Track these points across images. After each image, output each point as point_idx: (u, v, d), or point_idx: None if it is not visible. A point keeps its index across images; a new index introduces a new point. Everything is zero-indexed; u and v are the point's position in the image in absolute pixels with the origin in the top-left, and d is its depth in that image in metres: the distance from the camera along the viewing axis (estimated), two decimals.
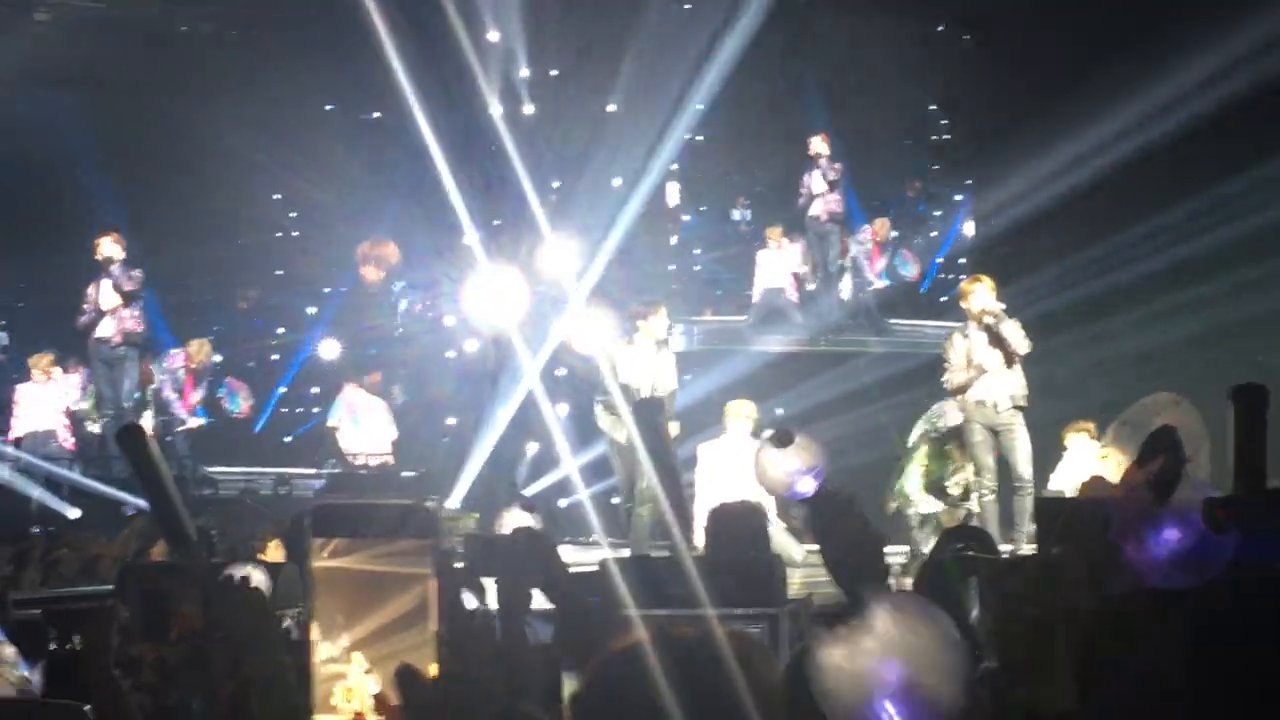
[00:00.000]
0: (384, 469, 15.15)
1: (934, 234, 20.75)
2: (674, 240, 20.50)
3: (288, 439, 18.19)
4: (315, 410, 17.67)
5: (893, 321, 18.50)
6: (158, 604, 5.92)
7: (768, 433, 3.90)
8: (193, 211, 18.64)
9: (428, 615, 2.34)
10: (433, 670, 2.29)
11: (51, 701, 4.45)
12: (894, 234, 18.65)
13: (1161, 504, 3.31)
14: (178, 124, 18.25)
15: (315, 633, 2.34)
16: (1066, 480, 10.96)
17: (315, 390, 18.07)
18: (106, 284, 14.16)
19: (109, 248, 14.15)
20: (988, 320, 10.60)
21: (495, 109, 17.43)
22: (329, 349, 16.92)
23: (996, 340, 10.61)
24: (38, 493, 14.03)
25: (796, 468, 4.17)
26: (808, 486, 4.04)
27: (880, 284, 18.61)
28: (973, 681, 1.98)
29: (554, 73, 19.05)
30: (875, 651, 1.98)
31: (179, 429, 15.53)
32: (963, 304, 10.84)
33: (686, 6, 19.20)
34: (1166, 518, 3.52)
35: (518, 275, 15.34)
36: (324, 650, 2.37)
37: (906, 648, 1.96)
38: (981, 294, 10.67)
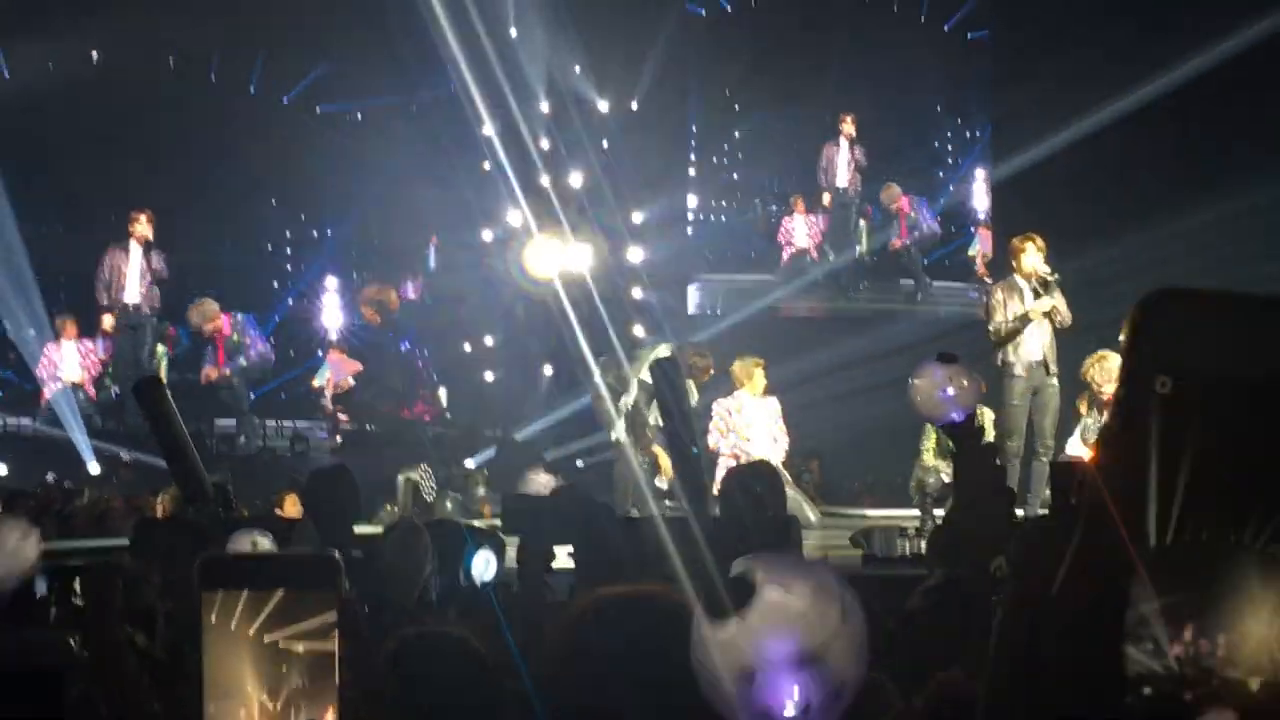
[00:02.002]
0: (407, 424, 15.08)
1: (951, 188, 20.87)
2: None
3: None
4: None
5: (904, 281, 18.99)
6: (173, 559, 5.94)
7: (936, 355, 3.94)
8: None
9: (333, 674, 2.17)
10: None
11: (41, 632, 4.44)
12: (907, 197, 18.83)
13: None
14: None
15: (210, 707, 2.17)
16: (1080, 448, 10.91)
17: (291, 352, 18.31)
18: (136, 257, 14.96)
19: (144, 227, 15.00)
20: (1036, 282, 10.51)
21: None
22: (332, 317, 17.04)
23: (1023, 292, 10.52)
24: (76, 437, 14.64)
25: (951, 395, 4.24)
26: (958, 411, 4.11)
27: (903, 244, 18.84)
28: (866, 657, 1.83)
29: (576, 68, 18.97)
30: (763, 623, 1.79)
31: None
32: (1013, 260, 10.72)
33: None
34: None
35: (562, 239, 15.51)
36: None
37: (800, 618, 1.78)
38: (1032, 254, 10.56)
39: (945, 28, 19.84)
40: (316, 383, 15.82)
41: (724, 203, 21.57)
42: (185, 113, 18.86)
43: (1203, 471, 1.20)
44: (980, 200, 19.95)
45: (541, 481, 6.50)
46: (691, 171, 21.08)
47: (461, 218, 18.10)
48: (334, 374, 15.52)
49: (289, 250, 20.50)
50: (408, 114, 18.66)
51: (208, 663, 2.12)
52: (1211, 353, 1.18)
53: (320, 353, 17.15)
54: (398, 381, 14.97)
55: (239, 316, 15.28)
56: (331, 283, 18.65)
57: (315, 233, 20.24)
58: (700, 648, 1.84)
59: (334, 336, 17.28)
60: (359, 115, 19.69)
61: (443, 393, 15.63)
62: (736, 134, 21.34)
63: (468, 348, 17.54)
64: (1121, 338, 1.30)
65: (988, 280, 17.43)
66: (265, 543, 5.59)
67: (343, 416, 15.58)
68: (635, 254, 17.99)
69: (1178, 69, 15.49)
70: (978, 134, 20.32)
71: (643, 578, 5.49)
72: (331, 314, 17.93)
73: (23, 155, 16.88)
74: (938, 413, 4.42)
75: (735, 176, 21.64)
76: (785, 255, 19.15)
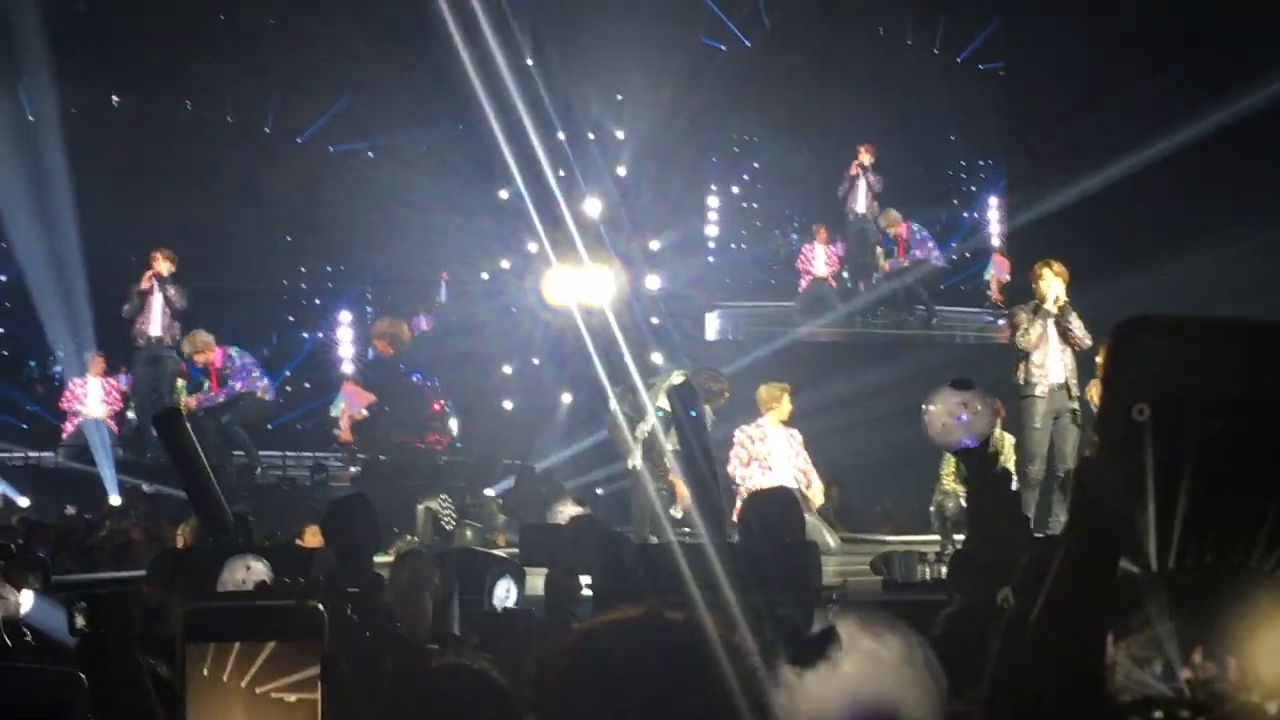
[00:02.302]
0: (423, 453, 15.16)
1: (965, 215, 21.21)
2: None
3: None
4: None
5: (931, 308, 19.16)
6: (194, 590, 5.95)
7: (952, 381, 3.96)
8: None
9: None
10: None
11: (47, 668, 4.45)
12: (906, 224, 19.02)
13: None
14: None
15: None
16: None
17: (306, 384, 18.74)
18: (159, 291, 15.72)
19: (163, 264, 15.76)
20: (1056, 307, 10.50)
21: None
22: (346, 350, 17.61)
23: (1062, 328, 10.50)
24: (102, 468, 15.00)
25: (965, 420, 4.25)
26: (972, 438, 4.12)
27: (910, 268, 19.06)
28: (941, 700, 1.83)
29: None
30: (843, 680, 1.83)
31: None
32: (1034, 284, 10.71)
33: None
34: None
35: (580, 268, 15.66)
36: None
37: (874, 670, 1.82)
38: (1051, 279, 10.55)
39: (958, 60, 20.23)
40: (333, 413, 15.97)
41: (743, 230, 21.82)
42: (202, 151, 19.21)
43: (1198, 495, 1.20)
44: (995, 227, 20.24)
45: (569, 513, 6.49)
46: (711, 200, 21.32)
47: (479, 246, 18.21)
48: (349, 405, 15.73)
49: (303, 285, 20.55)
50: (426, 147, 18.75)
51: (194, 717, 2.11)
52: (1188, 376, 1.18)
53: (336, 385, 17.26)
54: (410, 413, 15.09)
55: (233, 351, 15.47)
56: (345, 316, 18.83)
57: (330, 267, 20.31)
58: (784, 693, 1.86)
59: (348, 369, 17.46)
60: (369, 154, 19.70)
61: (454, 423, 15.69)
62: (755, 164, 21.72)
63: (485, 376, 17.62)
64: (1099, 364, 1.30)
65: (1001, 306, 17.93)
66: (260, 568, 5.55)
67: (357, 446, 15.72)
68: (653, 282, 18.09)
69: (1200, 107, 15.76)
70: (990, 163, 20.61)
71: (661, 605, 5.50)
72: (345, 347, 18.16)
73: (47, 193, 17.33)
74: (952, 439, 4.42)
75: (755, 205, 21.96)
76: (804, 283, 19.37)
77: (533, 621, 6.27)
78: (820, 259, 19.27)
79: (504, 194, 17.43)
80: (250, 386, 15.25)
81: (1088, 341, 10.46)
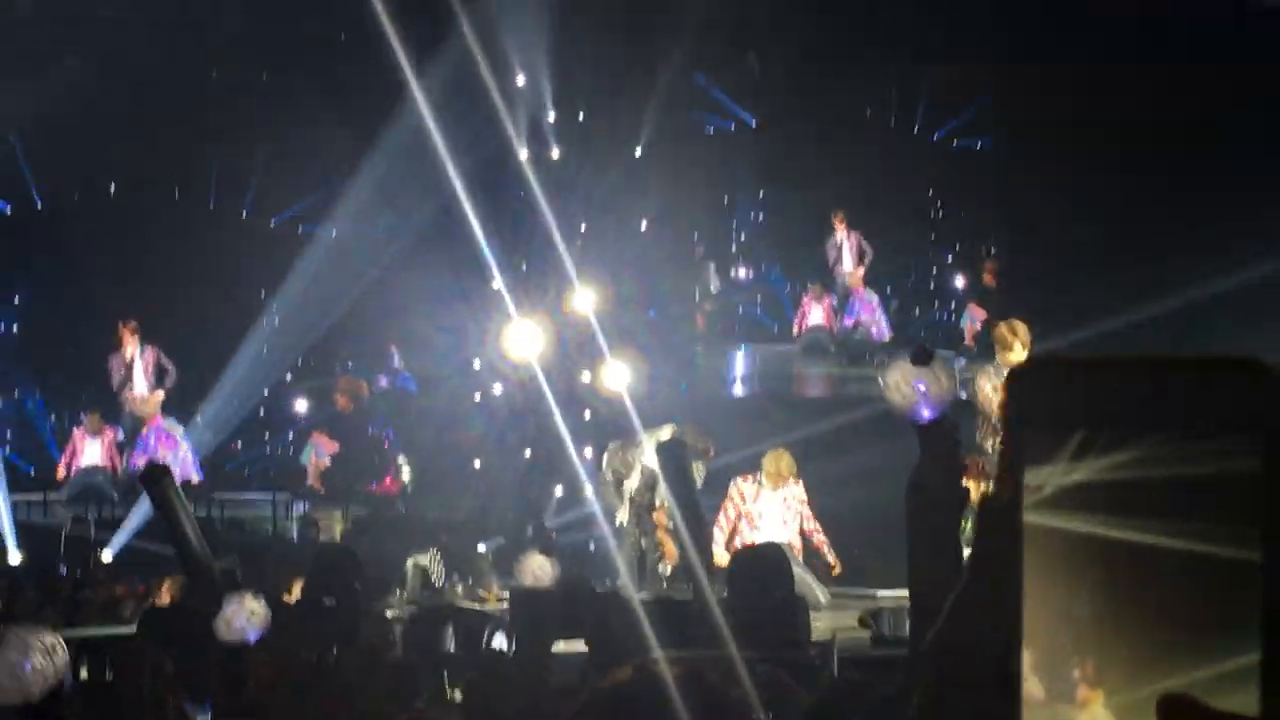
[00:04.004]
0: (406, 510, 15.43)
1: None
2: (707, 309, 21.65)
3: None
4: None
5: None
6: (190, 652, 5.94)
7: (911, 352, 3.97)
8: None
9: None
10: None
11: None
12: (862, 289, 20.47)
13: None
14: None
15: None
16: None
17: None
18: (136, 357, 16.54)
19: (130, 339, 16.59)
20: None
21: (522, 153, 17.78)
22: (300, 404, 18.89)
23: None
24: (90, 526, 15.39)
25: (925, 390, 4.21)
26: (929, 412, 4.10)
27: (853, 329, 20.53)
28: None
29: (581, 116, 19.28)
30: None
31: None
32: (999, 346, 10.67)
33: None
34: None
35: (545, 318, 15.88)
36: None
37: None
38: (1019, 351, 10.51)
39: (934, 138, 21.98)
40: (302, 461, 16.61)
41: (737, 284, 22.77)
42: (185, 234, 20.20)
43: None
44: (958, 281, 21.94)
45: (536, 563, 6.47)
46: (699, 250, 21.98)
47: (441, 301, 18.44)
48: (316, 454, 16.28)
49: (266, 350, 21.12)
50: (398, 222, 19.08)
51: None
52: (1084, 416, 1.19)
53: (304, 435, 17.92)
54: (368, 461, 15.83)
55: (167, 422, 15.97)
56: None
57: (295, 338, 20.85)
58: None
59: (312, 421, 18.32)
60: (334, 232, 20.23)
61: (407, 471, 16.17)
62: (743, 236, 23.06)
63: (454, 438, 17.76)
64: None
65: (973, 348, 19.11)
66: (258, 607, 5.56)
67: (325, 492, 16.59)
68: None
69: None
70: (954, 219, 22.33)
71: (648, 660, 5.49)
72: (303, 404, 19.28)
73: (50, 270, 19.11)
74: (907, 405, 4.37)
75: (747, 271, 23.10)
76: (801, 328, 20.54)
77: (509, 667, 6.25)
78: (817, 312, 20.29)
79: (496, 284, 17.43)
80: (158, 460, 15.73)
81: None
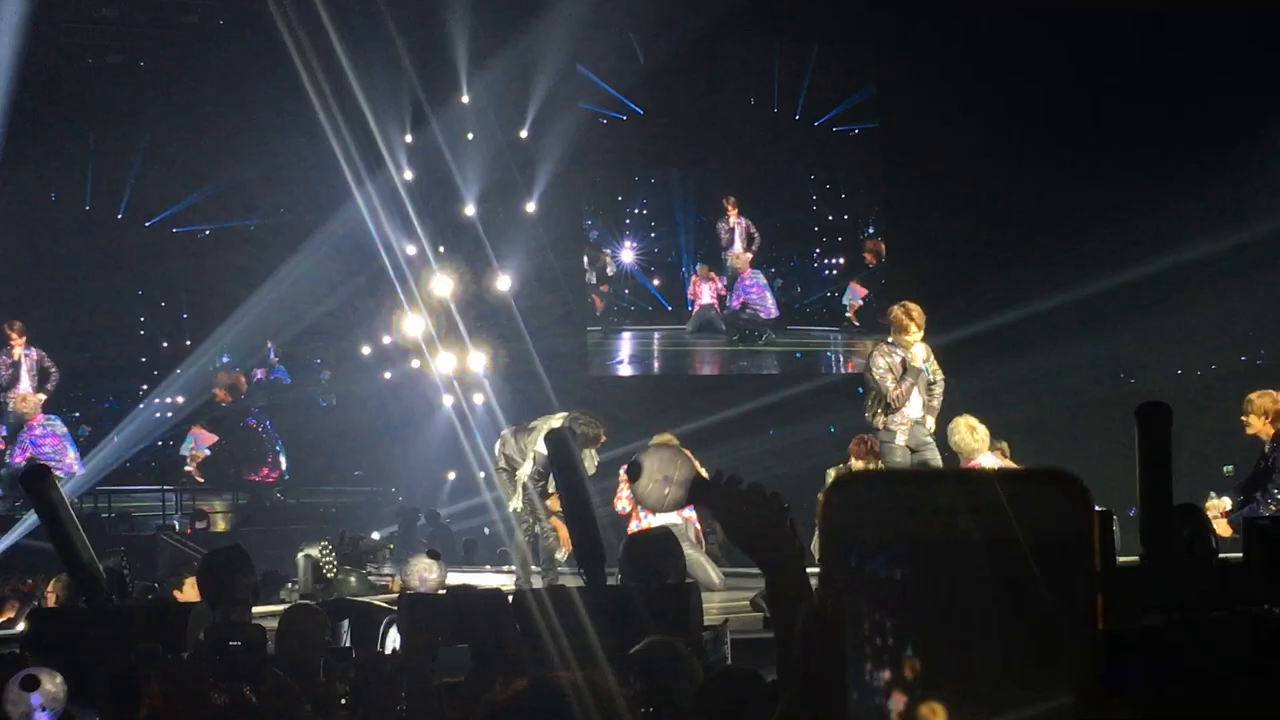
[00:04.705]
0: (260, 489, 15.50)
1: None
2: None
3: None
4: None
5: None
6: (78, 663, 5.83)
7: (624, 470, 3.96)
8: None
9: None
10: None
11: None
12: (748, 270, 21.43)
13: None
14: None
15: None
16: None
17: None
18: (21, 357, 16.37)
19: (17, 340, 16.43)
20: (917, 348, 10.67)
21: (406, 138, 17.84)
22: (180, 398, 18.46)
23: (916, 369, 10.68)
24: None
25: (662, 488, 4.20)
26: (681, 497, 4.07)
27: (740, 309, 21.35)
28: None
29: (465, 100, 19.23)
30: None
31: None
32: (897, 334, 10.80)
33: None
34: None
35: (446, 303, 15.95)
36: None
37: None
38: (915, 332, 10.68)
39: (815, 124, 22.21)
40: (183, 451, 16.53)
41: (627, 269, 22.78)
42: (67, 237, 19.76)
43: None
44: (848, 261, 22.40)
45: (423, 566, 6.46)
46: (593, 235, 22.11)
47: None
48: (195, 445, 16.27)
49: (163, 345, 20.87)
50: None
51: None
52: (894, 525, 1.25)
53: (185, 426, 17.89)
54: (245, 450, 15.66)
55: (48, 420, 15.81)
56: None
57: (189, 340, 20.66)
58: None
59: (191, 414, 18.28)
60: (206, 231, 20.03)
61: (283, 459, 16.20)
62: (635, 210, 22.84)
63: (345, 425, 17.80)
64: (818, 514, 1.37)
65: (856, 324, 20.71)
66: (52, 686, 5.22)
67: (205, 481, 16.73)
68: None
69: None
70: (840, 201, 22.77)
71: (539, 662, 5.53)
72: (181, 397, 18.85)
73: None
74: (664, 504, 4.35)
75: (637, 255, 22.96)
76: (694, 308, 21.31)
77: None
78: (706, 292, 21.17)
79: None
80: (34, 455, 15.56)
81: (940, 374, 10.81)
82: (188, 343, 19.91)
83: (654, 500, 3.59)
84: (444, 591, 6.68)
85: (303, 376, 18.73)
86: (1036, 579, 1.20)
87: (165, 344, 20.09)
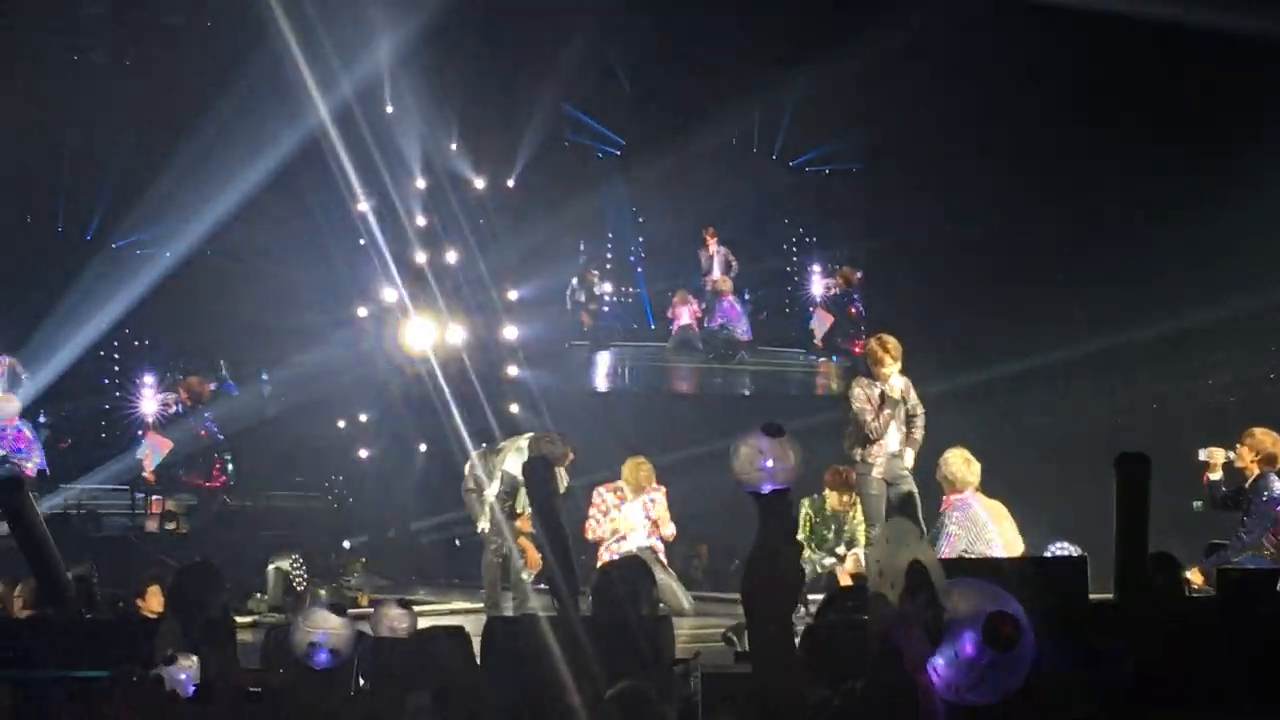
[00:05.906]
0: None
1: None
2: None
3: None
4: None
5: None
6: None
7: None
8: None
9: None
10: None
11: None
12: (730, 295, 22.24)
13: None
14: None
15: None
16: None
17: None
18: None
19: None
20: (894, 380, 10.61)
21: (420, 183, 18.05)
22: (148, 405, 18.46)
23: (895, 401, 10.62)
24: None
25: (770, 464, 4.28)
26: (772, 484, 4.19)
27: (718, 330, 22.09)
28: None
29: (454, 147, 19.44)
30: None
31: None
32: (874, 367, 10.74)
33: None
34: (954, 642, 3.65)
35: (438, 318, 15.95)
36: None
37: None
38: (892, 366, 10.62)
39: (790, 164, 23.74)
40: (138, 455, 16.55)
41: (608, 284, 23.75)
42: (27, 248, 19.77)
43: None
44: (816, 288, 23.44)
45: (394, 615, 6.39)
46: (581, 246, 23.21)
47: (336, 293, 18.29)
48: (150, 451, 16.27)
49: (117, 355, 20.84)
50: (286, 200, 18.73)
51: None
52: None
53: (140, 433, 17.70)
54: (192, 456, 15.84)
55: (20, 421, 15.78)
56: (149, 379, 19.26)
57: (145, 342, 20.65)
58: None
59: (150, 420, 18.10)
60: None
61: (231, 466, 16.26)
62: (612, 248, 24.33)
63: (342, 424, 17.70)
64: None
65: (821, 349, 21.66)
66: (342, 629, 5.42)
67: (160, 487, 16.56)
68: (510, 332, 18.27)
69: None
70: (814, 239, 24.52)
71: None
72: (148, 403, 18.78)
73: None
74: (752, 480, 4.47)
75: (620, 279, 24.41)
76: (674, 328, 22.04)
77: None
78: (684, 315, 21.92)
79: (362, 240, 17.55)
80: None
81: (921, 409, 10.77)
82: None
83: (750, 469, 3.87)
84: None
85: (249, 388, 18.69)
86: None
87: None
